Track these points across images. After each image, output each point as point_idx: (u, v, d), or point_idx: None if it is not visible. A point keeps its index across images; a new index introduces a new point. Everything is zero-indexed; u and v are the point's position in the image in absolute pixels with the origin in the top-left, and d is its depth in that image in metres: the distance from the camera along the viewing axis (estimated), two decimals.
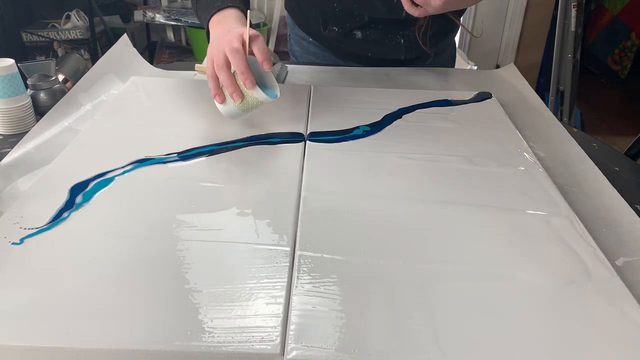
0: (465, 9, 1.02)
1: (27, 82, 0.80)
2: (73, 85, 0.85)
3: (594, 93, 2.95)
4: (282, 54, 2.66)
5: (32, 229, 0.51)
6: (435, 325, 0.42)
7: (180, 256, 0.49)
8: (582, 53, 2.14)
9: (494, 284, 0.47)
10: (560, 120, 0.89)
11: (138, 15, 2.54)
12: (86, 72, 0.89)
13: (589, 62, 2.98)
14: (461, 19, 1.04)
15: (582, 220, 0.56)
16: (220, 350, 0.39)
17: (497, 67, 1.17)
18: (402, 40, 0.96)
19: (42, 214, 0.54)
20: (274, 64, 0.97)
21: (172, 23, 2.53)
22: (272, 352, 0.39)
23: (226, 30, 0.68)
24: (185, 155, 0.65)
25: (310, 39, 1.05)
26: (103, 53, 0.96)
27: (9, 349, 0.40)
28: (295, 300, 0.44)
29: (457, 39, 2.66)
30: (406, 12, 0.76)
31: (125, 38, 0.98)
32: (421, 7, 0.74)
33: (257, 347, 0.40)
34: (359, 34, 0.97)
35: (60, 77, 0.86)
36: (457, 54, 1.87)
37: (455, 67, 1.15)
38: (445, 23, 0.93)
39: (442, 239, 0.52)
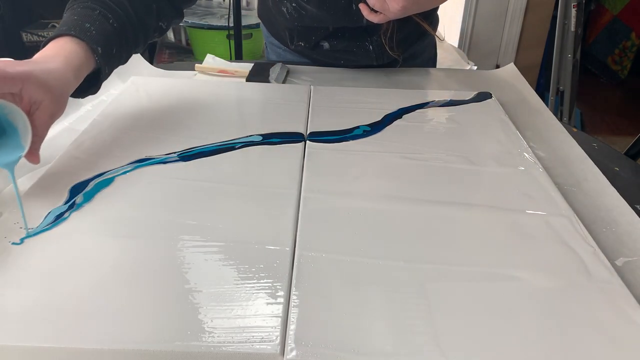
0: (435, 11, 1.00)
1: None
2: None
3: (594, 93, 2.94)
4: None
5: (32, 229, 0.51)
6: (435, 325, 0.42)
7: (180, 256, 0.49)
8: (582, 53, 2.14)
9: (494, 284, 0.47)
10: (560, 120, 0.88)
11: None
12: None
13: (589, 62, 2.98)
14: (439, 19, 1.03)
15: (582, 220, 0.56)
16: (220, 350, 0.39)
17: (497, 67, 1.17)
18: (370, 47, 0.95)
19: (42, 214, 0.54)
20: (273, 64, 0.96)
21: None
22: (272, 352, 0.39)
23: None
24: (185, 155, 0.65)
25: (285, 47, 1.05)
26: None
27: (9, 349, 0.39)
28: (295, 300, 0.44)
29: (456, 39, 2.65)
30: (367, 19, 0.76)
31: None
32: (380, 13, 0.73)
33: (257, 347, 0.40)
34: (326, 45, 0.96)
35: None
36: (457, 54, 1.86)
37: (455, 67, 1.15)
38: (415, 26, 0.92)
39: (442, 239, 0.52)
